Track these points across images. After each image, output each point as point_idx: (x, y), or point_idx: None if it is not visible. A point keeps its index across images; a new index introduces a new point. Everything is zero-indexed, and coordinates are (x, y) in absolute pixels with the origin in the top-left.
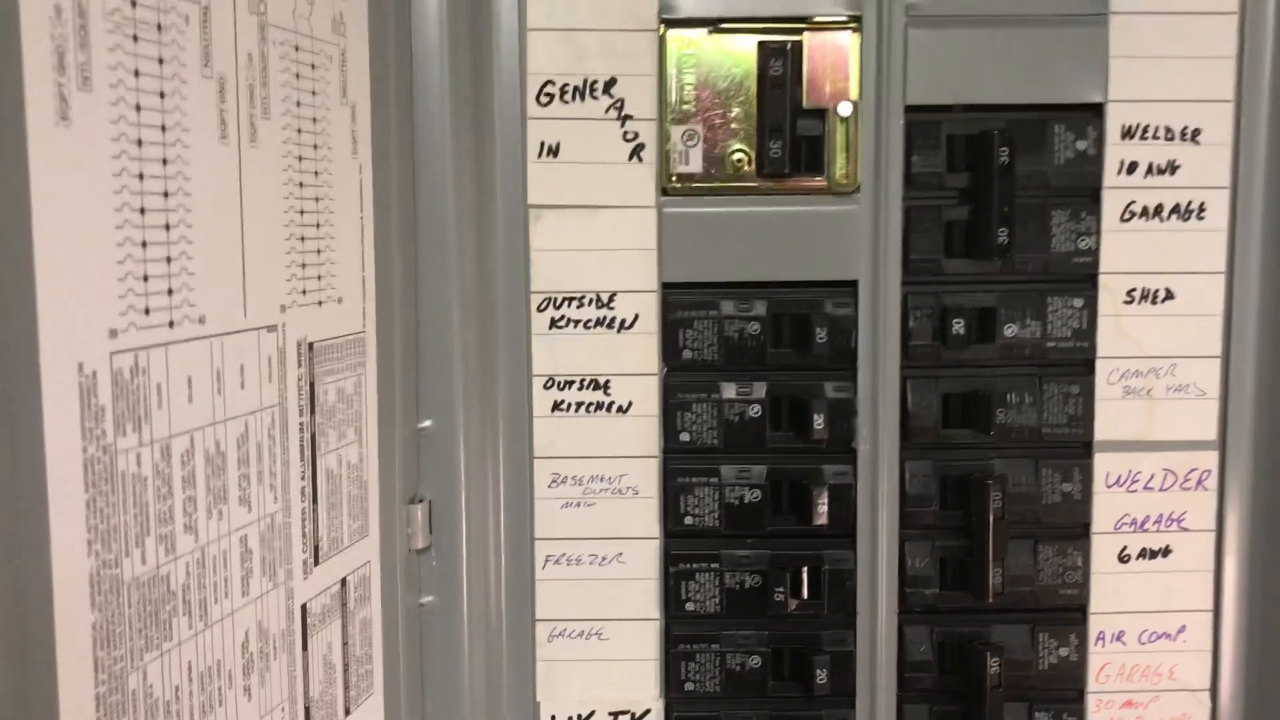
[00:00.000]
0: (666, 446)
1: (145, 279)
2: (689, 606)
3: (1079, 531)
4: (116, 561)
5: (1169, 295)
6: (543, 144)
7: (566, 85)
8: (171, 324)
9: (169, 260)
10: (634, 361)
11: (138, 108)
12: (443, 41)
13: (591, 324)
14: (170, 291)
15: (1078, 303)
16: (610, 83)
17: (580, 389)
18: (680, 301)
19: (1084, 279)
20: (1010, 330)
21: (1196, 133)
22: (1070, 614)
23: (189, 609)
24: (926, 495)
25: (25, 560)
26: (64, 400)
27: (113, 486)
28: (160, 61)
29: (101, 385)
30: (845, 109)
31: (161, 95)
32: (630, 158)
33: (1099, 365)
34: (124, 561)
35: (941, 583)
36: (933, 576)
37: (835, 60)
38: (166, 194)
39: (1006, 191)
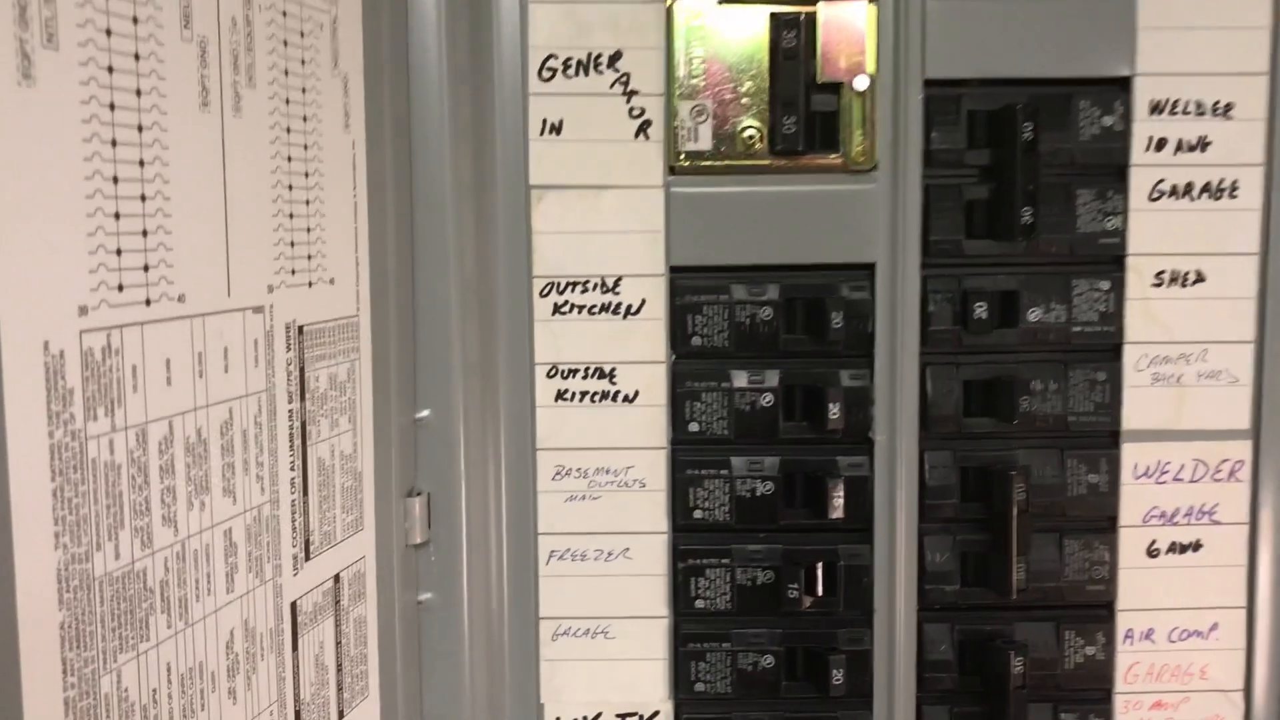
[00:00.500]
0: (675, 437)
1: (119, 253)
2: (699, 604)
3: (1105, 525)
4: (87, 556)
5: (1199, 278)
6: (545, 121)
7: (570, 59)
8: (148, 302)
9: (145, 234)
10: (641, 349)
11: (110, 69)
12: (440, 12)
13: (596, 309)
14: (146, 268)
15: (1104, 285)
16: (615, 56)
17: (585, 377)
18: (689, 286)
19: (1111, 261)
20: (1034, 314)
21: (1229, 107)
22: (1097, 611)
23: (168, 606)
24: (946, 487)
25: None
26: (27, 381)
27: (82, 475)
28: (135, 21)
29: (70, 365)
30: (861, 83)
31: (136, 57)
32: (636, 135)
33: (1126, 351)
34: (95, 556)
35: (962, 579)
36: (953, 572)
37: (851, 32)
38: (142, 163)
39: (1030, 169)
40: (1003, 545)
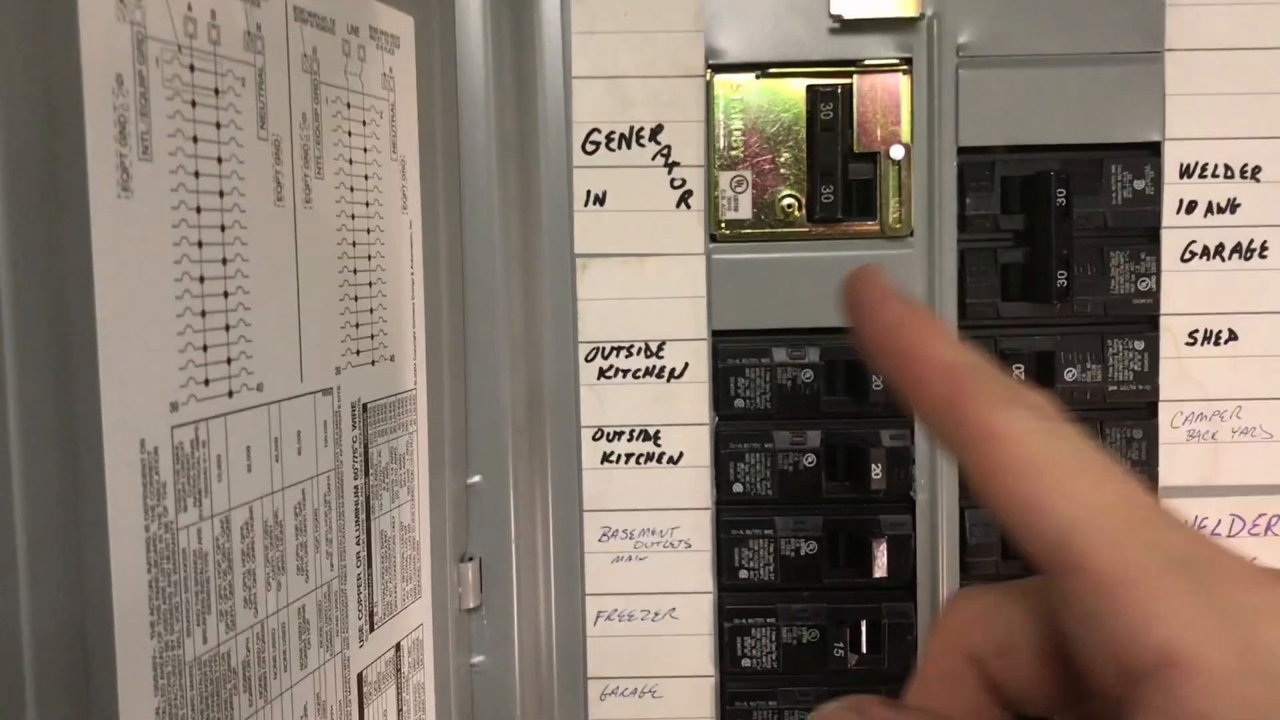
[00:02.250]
0: (719, 498)
1: (205, 349)
2: (745, 663)
3: None
4: (179, 642)
5: (1232, 336)
6: (589, 192)
7: (613, 133)
8: (230, 393)
9: (227, 329)
10: (684, 411)
11: (196, 174)
12: (488, 92)
13: (640, 373)
14: (229, 360)
15: (1139, 345)
16: (656, 129)
17: (630, 440)
18: (731, 349)
19: (1144, 321)
20: (1070, 374)
21: (1257, 170)
22: None
23: (249, 686)
24: (987, 545)
25: (90, 648)
26: (126, 478)
27: (174, 564)
28: (218, 126)
29: (163, 461)
30: (897, 152)
31: (219, 160)
32: (678, 205)
33: (1162, 409)
34: (185, 642)
35: None
36: None
37: (886, 103)
38: (225, 260)
39: (1064, 233)
40: None
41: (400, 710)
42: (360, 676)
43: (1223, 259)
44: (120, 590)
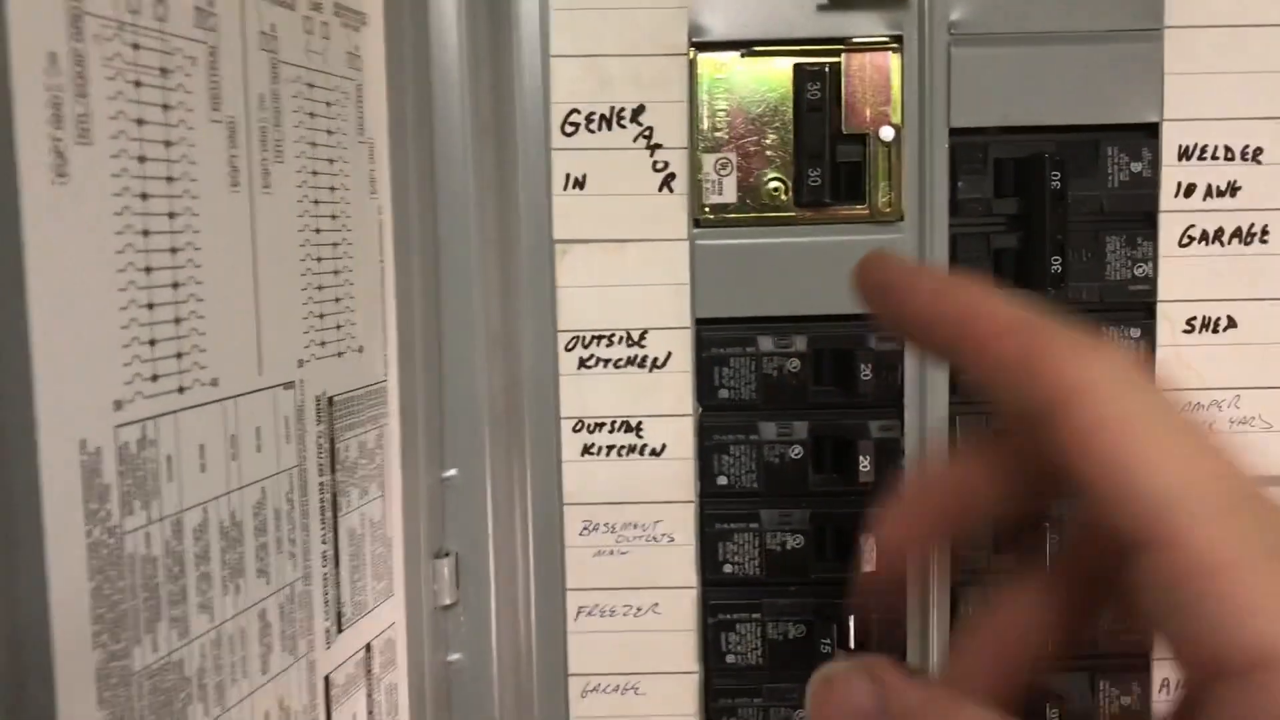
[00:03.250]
0: (703, 491)
1: (152, 343)
2: (729, 659)
3: None
4: (126, 652)
5: (1231, 323)
6: (568, 175)
7: (593, 114)
8: (181, 389)
9: (177, 321)
10: (667, 402)
11: (141, 159)
12: (463, 71)
13: (622, 363)
14: (179, 355)
15: (1135, 333)
16: (638, 110)
17: (611, 431)
18: (715, 338)
19: (1141, 308)
20: None
21: (1258, 152)
22: (1132, 660)
23: (204, 694)
24: (978, 541)
25: (26, 660)
26: (65, 482)
27: (120, 571)
28: (165, 108)
29: (106, 462)
30: (887, 133)
31: (167, 144)
32: (660, 188)
33: None
34: (134, 650)
35: None
36: None
37: (876, 82)
38: (174, 250)
39: (1059, 218)
40: None
41: (370, 712)
42: (327, 679)
43: (1222, 244)
44: (59, 600)
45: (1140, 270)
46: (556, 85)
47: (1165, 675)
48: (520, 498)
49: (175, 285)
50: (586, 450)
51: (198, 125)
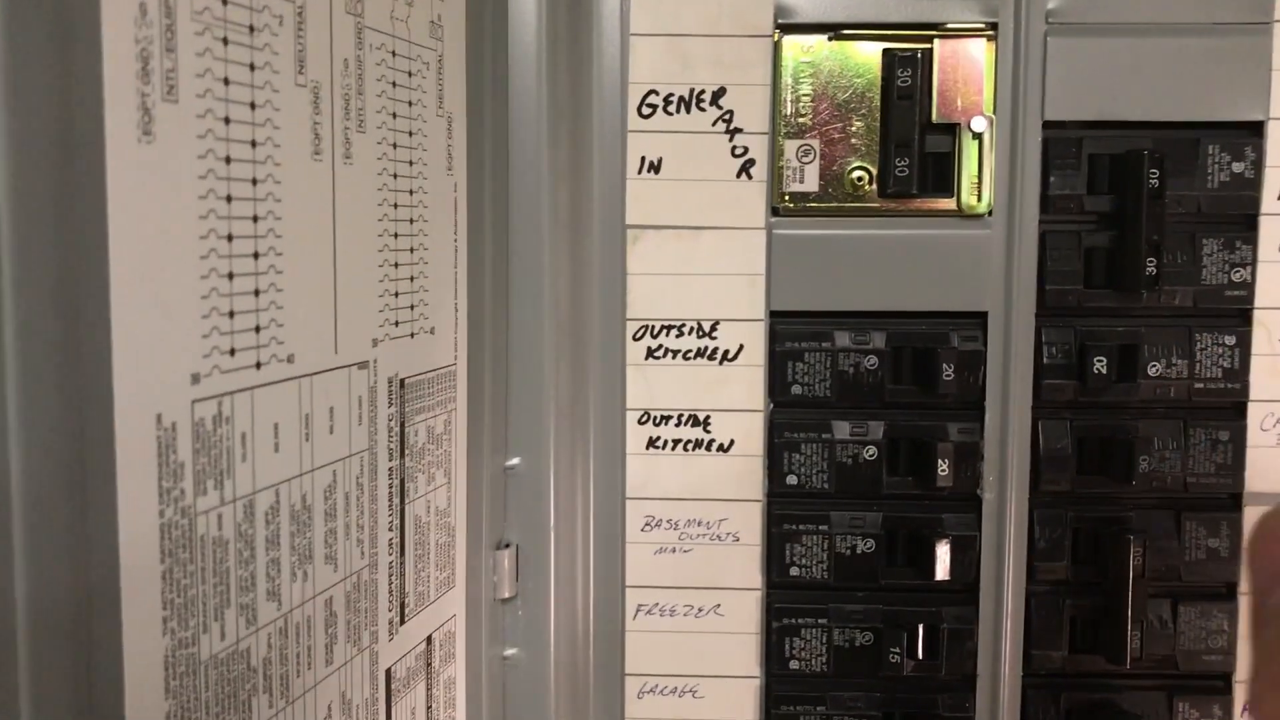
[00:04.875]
0: (771, 490)
1: (231, 315)
2: (793, 665)
3: (1224, 592)
4: (194, 639)
5: None
6: (644, 159)
7: (671, 95)
8: (258, 365)
9: (257, 294)
10: (737, 396)
11: (226, 120)
12: (541, 47)
13: (691, 354)
14: (258, 329)
15: (1229, 340)
16: (719, 93)
17: (678, 425)
18: (790, 332)
19: (1237, 314)
20: (1154, 369)
21: None
22: (1213, 682)
23: (269, 685)
24: (1057, 549)
25: (95, 645)
26: (140, 458)
27: (191, 554)
28: (252, 68)
29: (181, 439)
30: (979, 124)
31: (252, 106)
32: (739, 175)
33: (1251, 409)
34: (201, 639)
35: (1071, 645)
36: (1061, 638)
37: (968, 71)
38: (256, 218)
39: (1156, 217)
40: (1117, 612)
41: (430, 708)
42: (389, 672)
43: None
44: (130, 582)
45: (1238, 275)
46: (635, 65)
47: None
48: (583, 490)
49: (256, 255)
50: (651, 443)
51: (283, 88)
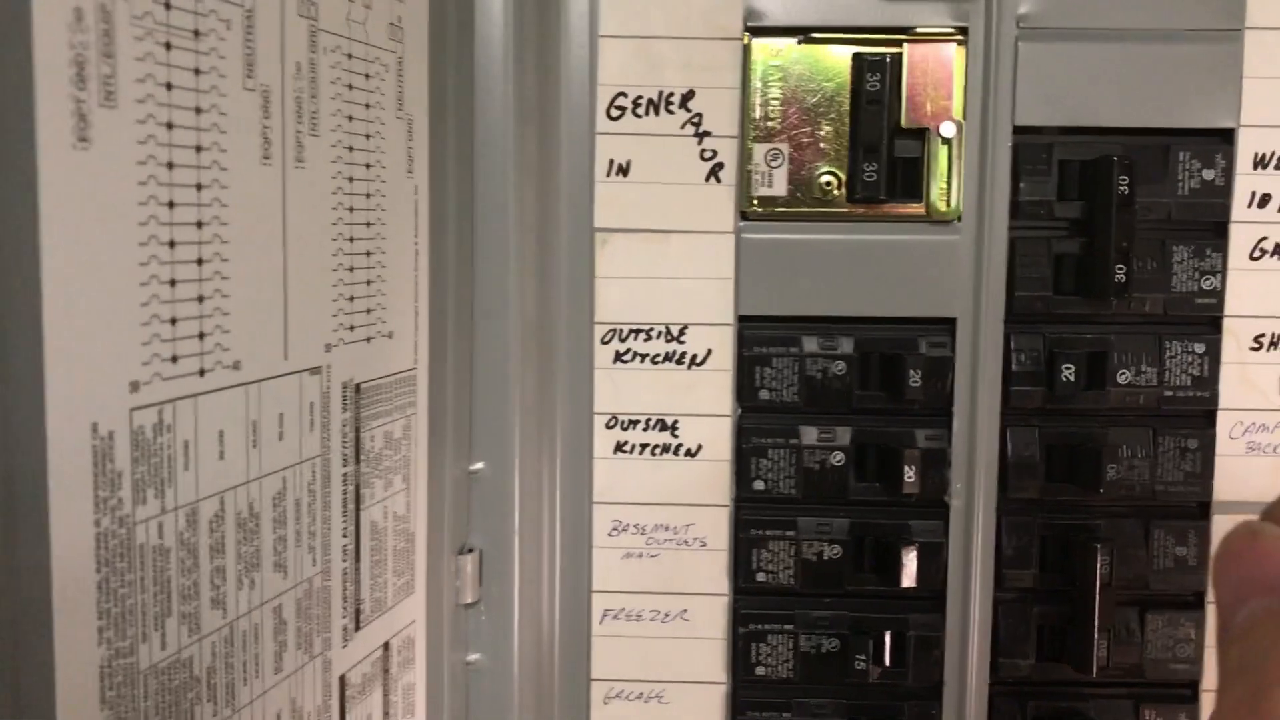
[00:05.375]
0: (738, 495)
1: (173, 322)
2: (759, 670)
3: (1192, 601)
4: (132, 649)
5: None
6: (612, 161)
7: (640, 97)
8: (202, 372)
9: (200, 300)
10: (705, 401)
11: (169, 125)
12: (508, 48)
13: (660, 359)
14: (201, 335)
15: (1199, 348)
16: (688, 95)
17: (645, 429)
18: (758, 336)
19: (1206, 322)
20: (1123, 377)
21: None
22: (1180, 691)
23: (214, 694)
24: (1024, 556)
25: (24, 655)
26: (74, 468)
27: (129, 563)
28: (197, 72)
29: (119, 448)
30: (948, 129)
31: (197, 110)
32: (708, 178)
33: (1220, 418)
34: (140, 648)
35: (1038, 653)
36: (1028, 646)
37: (938, 75)
38: (200, 224)
39: (1126, 224)
40: (1084, 620)
41: (387, 713)
42: (343, 679)
43: None
44: (62, 592)
45: (1208, 283)
46: (604, 66)
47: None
48: (549, 494)
49: (200, 261)
50: (619, 448)
51: (230, 93)
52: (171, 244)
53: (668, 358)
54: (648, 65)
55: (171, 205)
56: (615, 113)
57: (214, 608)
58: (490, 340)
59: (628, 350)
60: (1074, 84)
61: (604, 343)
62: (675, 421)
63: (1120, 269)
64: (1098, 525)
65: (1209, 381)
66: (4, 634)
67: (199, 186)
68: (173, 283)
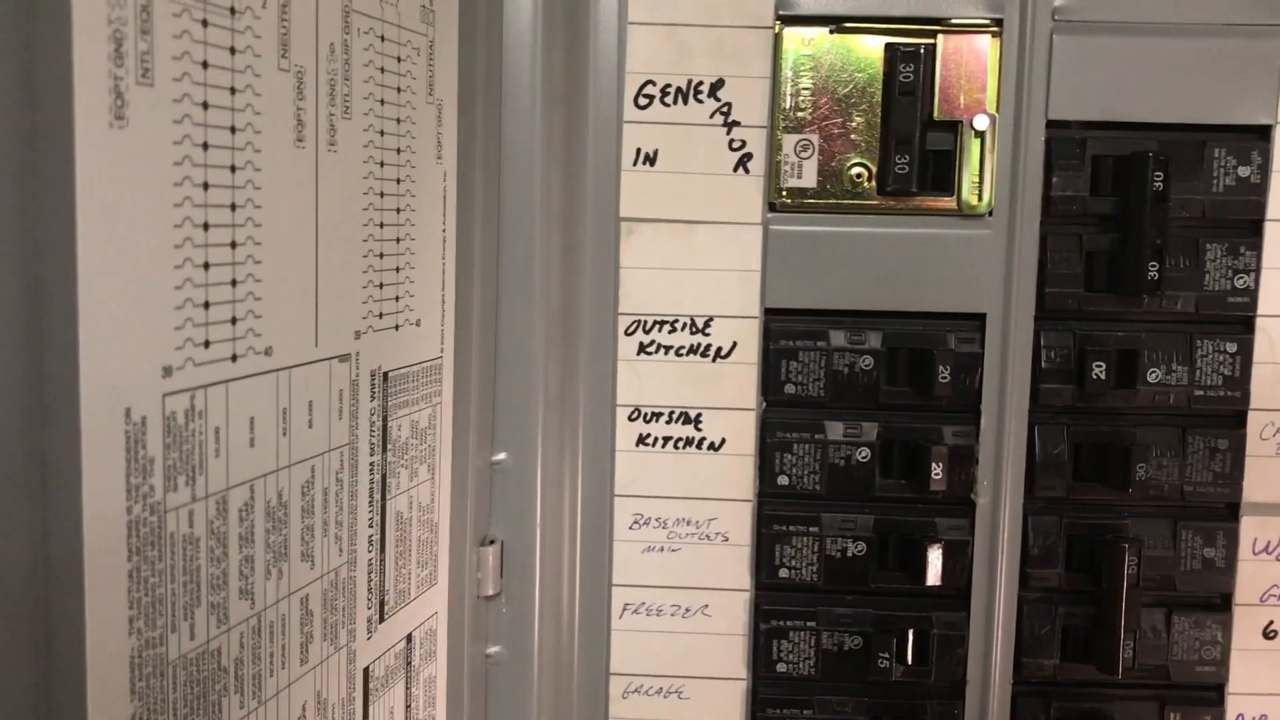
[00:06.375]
0: (762, 490)
1: (206, 306)
2: (780, 668)
3: (1219, 603)
4: (161, 639)
5: None
6: (639, 150)
7: (669, 86)
8: (234, 357)
9: (234, 284)
10: (730, 394)
11: (204, 105)
12: (536, 35)
13: (684, 351)
14: (234, 320)
15: (1231, 348)
16: (717, 84)
17: (669, 422)
18: (784, 330)
19: (1239, 322)
20: (1153, 375)
21: None
22: (1205, 694)
23: (241, 685)
24: (1050, 555)
25: (56, 648)
26: (107, 454)
27: (160, 552)
28: (233, 51)
29: (151, 433)
30: (981, 122)
31: (232, 91)
32: (735, 169)
33: (1251, 418)
34: (170, 639)
35: (1062, 653)
36: (1053, 646)
37: (972, 67)
38: (234, 206)
39: (1159, 221)
40: (1109, 621)
41: (409, 707)
42: (367, 671)
43: None
44: (94, 582)
45: (1241, 281)
46: (632, 54)
47: (1240, 710)
48: (570, 486)
49: (233, 245)
50: (641, 440)
51: (264, 73)
52: (205, 226)
53: (692, 350)
54: (677, 53)
55: (206, 187)
56: (643, 101)
57: (242, 598)
58: (515, 330)
59: (652, 342)
60: (1109, 78)
61: (628, 334)
62: (699, 415)
63: (1153, 266)
64: (1125, 525)
65: (1240, 381)
66: (36, 623)
67: (233, 168)
68: (206, 266)
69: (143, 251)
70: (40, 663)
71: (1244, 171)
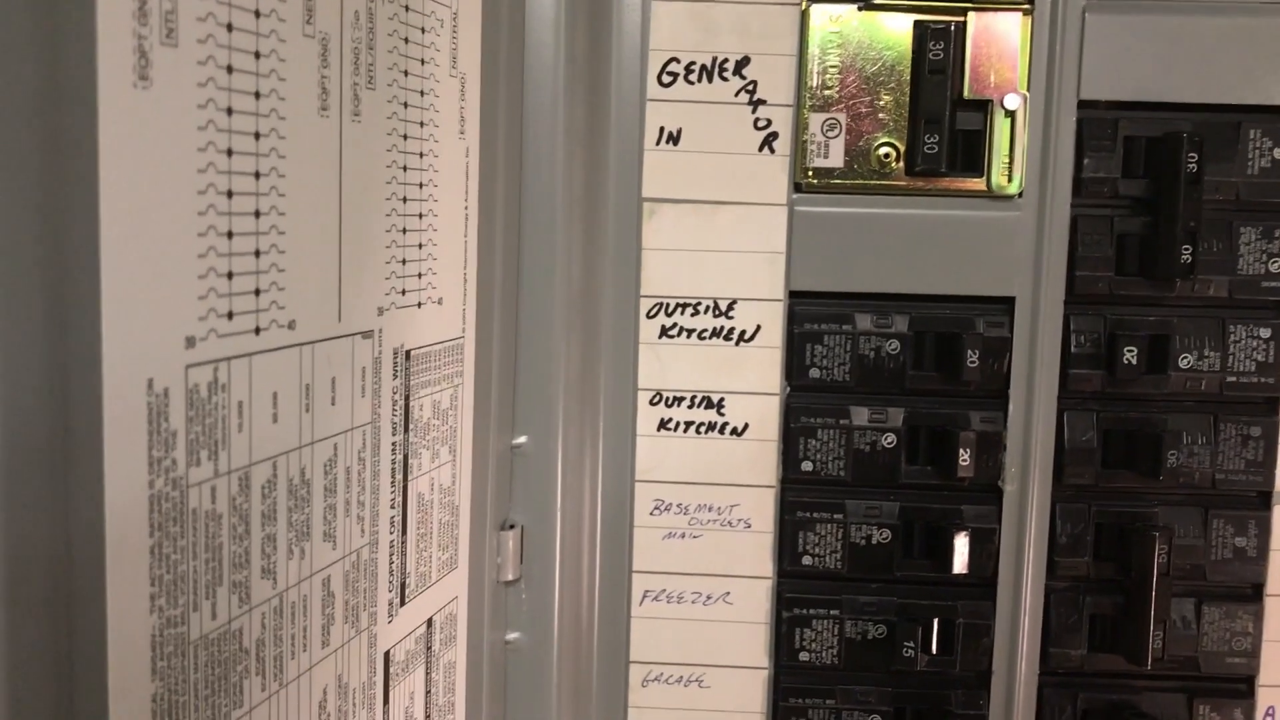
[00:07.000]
0: (785, 476)
1: (230, 276)
2: (803, 656)
3: (1250, 593)
4: (183, 618)
5: None
6: (662, 129)
7: (693, 64)
8: (258, 330)
9: (258, 254)
10: (753, 378)
11: (229, 69)
12: (560, 10)
13: (707, 334)
14: (258, 291)
15: (1264, 333)
16: (742, 62)
17: (690, 406)
18: (809, 313)
19: (1273, 306)
20: (1185, 361)
21: None
22: (1236, 685)
23: (262, 667)
24: (1079, 544)
25: (78, 623)
26: (129, 426)
27: (182, 528)
28: (257, 14)
29: (174, 406)
30: (1012, 102)
31: (257, 55)
32: (761, 148)
33: None
34: (191, 617)
35: (1090, 643)
36: (1080, 636)
37: (1002, 46)
38: (258, 174)
39: (1192, 204)
40: (1138, 611)
41: (429, 692)
42: (388, 655)
43: None
44: (116, 558)
45: (1276, 265)
46: (657, 31)
47: (1271, 703)
48: (590, 470)
49: (257, 214)
50: (663, 425)
51: (289, 38)
52: (229, 194)
53: (715, 333)
54: (702, 30)
55: (230, 153)
56: (667, 79)
57: (264, 577)
58: (536, 310)
59: (674, 325)
60: (1142, 57)
61: (649, 316)
62: (721, 399)
63: (1186, 250)
64: (1155, 514)
65: (1273, 368)
66: (57, 600)
67: (257, 135)
68: (230, 234)
69: (166, 217)
70: (61, 639)
71: (1279, 153)
